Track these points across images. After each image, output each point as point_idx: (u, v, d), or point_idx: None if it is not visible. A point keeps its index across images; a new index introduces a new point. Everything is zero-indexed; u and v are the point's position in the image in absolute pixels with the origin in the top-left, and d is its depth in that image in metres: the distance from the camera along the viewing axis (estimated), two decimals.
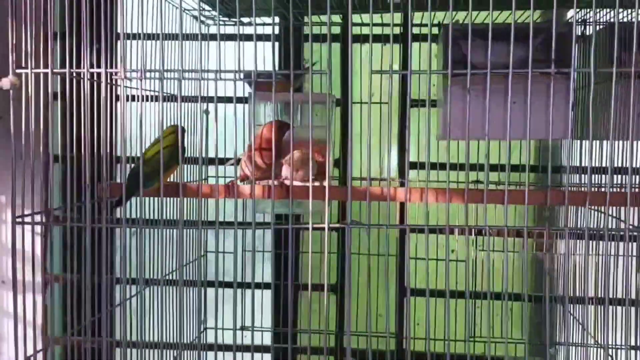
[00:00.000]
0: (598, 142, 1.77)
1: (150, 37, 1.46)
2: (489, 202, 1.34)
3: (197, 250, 2.20)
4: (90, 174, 1.48)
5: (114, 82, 1.65)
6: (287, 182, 1.70)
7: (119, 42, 1.70)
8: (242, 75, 1.47)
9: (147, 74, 1.39)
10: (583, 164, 1.85)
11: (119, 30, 1.64)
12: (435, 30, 2.44)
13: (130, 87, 1.63)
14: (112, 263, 2.01)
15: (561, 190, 1.39)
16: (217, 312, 1.48)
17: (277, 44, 2.56)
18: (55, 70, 1.38)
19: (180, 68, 1.35)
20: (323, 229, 1.38)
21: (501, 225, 1.32)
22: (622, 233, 1.35)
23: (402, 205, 2.43)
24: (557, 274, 2.35)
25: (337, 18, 2.42)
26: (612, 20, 1.99)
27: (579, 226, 1.69)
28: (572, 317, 2.15)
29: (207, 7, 2.19)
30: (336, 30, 2.50)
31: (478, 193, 1.41)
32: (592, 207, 1.73)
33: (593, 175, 1.81)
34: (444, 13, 2.28)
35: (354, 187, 1.45)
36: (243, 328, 2.31)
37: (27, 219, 1.43)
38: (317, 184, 1.82)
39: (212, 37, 1.48)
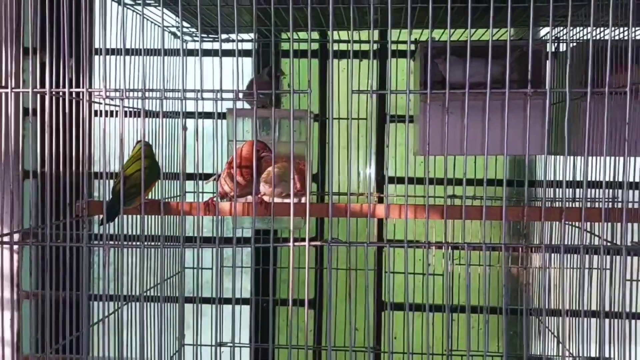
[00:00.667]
0: (572, 157, 1.81)
1: (129, 53, 1.46)
2: (467, 218, 1.36)
3: (173, 267, 2.19)
4: (70, 192, 1.47)
5: (93, 100, 1.64)
6: (266, 199, 1.70)
7: (95, 59, 1.70)
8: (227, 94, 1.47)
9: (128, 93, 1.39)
10: (558, 178, 1.88)
11: (96, 47, 1.65)
12: (412, 47, 2.47)
13: (109, 105, 1.63)
14: (89, 280, 1.99)
15: (537, 206, 1.41)
16: (195, 328, 1.48)
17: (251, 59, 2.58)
18: (35, 90, 1.38)
19: (162, 87, 1.35)
20: (304, 245, 1.39)
21: (479, 243, 1.34)
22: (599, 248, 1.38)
23: (380, 220, 2.44)
24: (531, 288, 2.38)
25: (314, 34, 2.44)
26: (584, 38, 2.04)
27: (554, 241, 1.72)
28: (547, 329, 2.18)
29: (185, 24, 2.20)
30: (314, 46, 2.52)
31: (456, 209, 1.43)
32: (568, 223, 1.76)
33: (568, 190, 1.84)
34: (420, 30, 2.31)
35: (334, 204, 1.46)
36: (221, 344, 2.30)
37: (6, 238, 1.42)
38: (295, 200, 1.83)
39: (190, 53, 1.49)
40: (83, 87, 1.41)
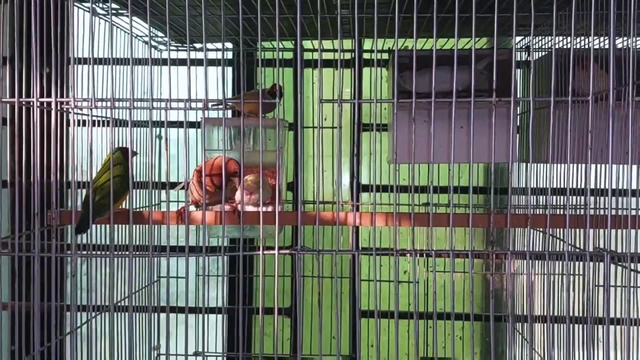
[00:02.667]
0: (544, 164, 1.83)
1: (100, 62, 1.46)
2: (435, 225, 1.38)
3: (148, 276, 2.18)
4: (40, 202, 1.46)
5: (64, 110, 1.64)
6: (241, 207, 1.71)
7: (68, 68, 1.70)
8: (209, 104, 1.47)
9: (98, 103, 1.39)
10: (529, 186, 1.90)
11: (69, 56, 1.65)
12: (385, 56, 2.49)
13: (81, 114, 1.63)
14: (62, 290, 1.98)
15: (504, 213, 1.43)
16: (169, 337, 1.47)
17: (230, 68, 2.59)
18: (4, 100, 1.38)
19: (131, 97, 1.36)
20: (274, 254, 1.39)
21: (447, 250, 1.36)
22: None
23: (357, 227, 2.45)
24: (506, 294, 2.40)
25: (289, 44, 2.45)
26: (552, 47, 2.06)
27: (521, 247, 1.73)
28: (520, 335, 2.20)
29: (159, 33, 2.20)
30: (288, 55, 2.53)
31: (425, 216, 1.44)
32: (538, 229, 1.78)
33: (538, 197, 1.86)
34: (393, 39, 2.33)
35: (305, 212, 1.47)
36: (196, 354, 2.30)
37: None
38: (270, 208, 1.83)
39: (164, 62, 1.49)
40: (52, 97, 1.41)
